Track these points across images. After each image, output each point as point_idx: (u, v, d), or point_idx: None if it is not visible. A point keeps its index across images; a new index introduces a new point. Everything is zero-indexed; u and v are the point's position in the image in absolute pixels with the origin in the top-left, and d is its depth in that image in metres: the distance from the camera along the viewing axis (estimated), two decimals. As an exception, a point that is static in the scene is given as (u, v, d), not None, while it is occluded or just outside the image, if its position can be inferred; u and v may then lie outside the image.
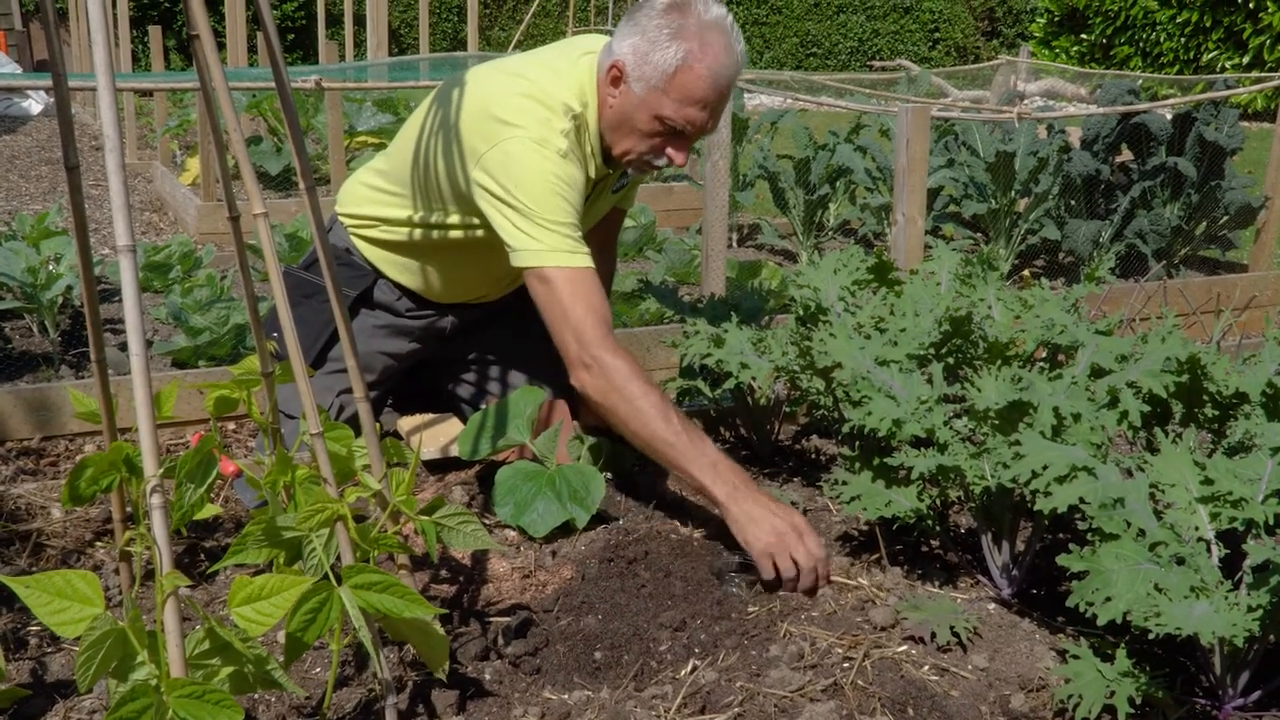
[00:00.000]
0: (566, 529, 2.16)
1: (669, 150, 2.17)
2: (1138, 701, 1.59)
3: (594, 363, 2.06)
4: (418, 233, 2.41)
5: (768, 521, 1.94)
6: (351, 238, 2.50)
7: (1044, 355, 2.24)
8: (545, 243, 2.09)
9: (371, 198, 2.46)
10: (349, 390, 2.44)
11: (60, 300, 3.74)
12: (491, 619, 1.92)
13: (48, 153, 8.54)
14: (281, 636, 1.63)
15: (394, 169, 2.40)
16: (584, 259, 2.11)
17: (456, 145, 2.18)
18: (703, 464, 2.00)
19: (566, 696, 1.71)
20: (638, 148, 2.17)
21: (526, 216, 2.10)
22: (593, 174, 2.27)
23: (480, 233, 2.30)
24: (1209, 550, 1.65)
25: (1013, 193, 5.22)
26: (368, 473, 1.66)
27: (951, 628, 1.80)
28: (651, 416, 2.02)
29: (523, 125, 2.11)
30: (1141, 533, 1.63)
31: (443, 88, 2.27)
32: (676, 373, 2.78)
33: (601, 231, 2.60)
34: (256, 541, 1.52)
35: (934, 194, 5.56)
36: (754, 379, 2.31)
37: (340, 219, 2.53)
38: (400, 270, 2.50)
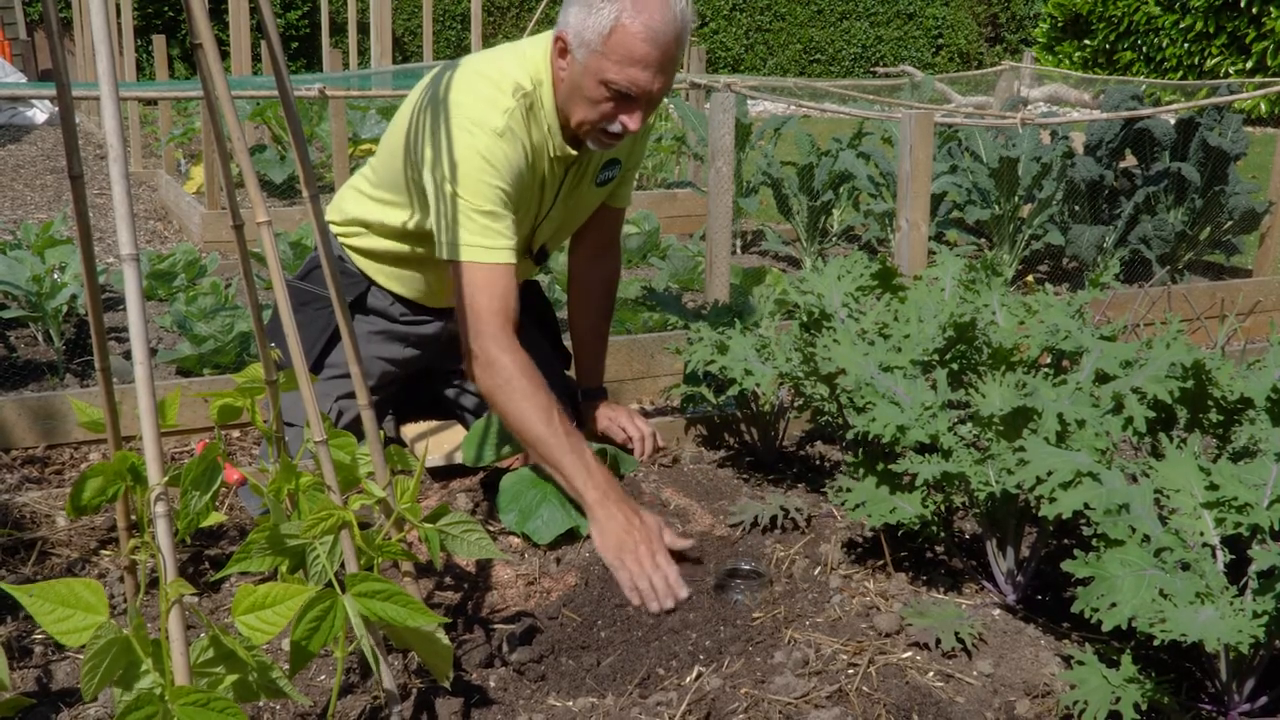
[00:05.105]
0: (571, 536, 2.15)
1: (621, 117, 2.16)
2: (1143, 708, 1.59)
3: (482, 354, 2.12)
4: (406, 236, 2.41)
5: (621, 534, 2.01)
6: (343, 246, 2.51)
7: (1048, 361, 2.24)
8: (464, 237, 2.12)
9: (361, 201, 2.46)
10: (348, 395, 2.45)
11: (65, 309, 3.75)
12: (496, 626, 1.92)
13: (52, 162, 8.55)
14: (286, 644, 1.64)
15: (382, 168, 2.39)
16: (500, 254, 2.14)
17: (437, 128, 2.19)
18: (577, 467, 2.07)
19: (571, 704, 1.71)
20: (589, 116, 2.18)
21: (452, 203, 2.12)
22: (552, 153, 2.26)
23: None
24: (1214, 556, 1.64)
25: (1016, 198, 5.22)
26: (372, 480, 1.66)
27: (956, 634, 1.79)
28: (531, 416, 2.09)
29: (463, 104, 2.14)
30: (1146, 538, 1.63)
31: (434, 75, 2.28)
32: (680, 379, 2.78)
33: (599, 232, 2.59)
34: (260, 549, 1.53)
35: (937, 200, 5.56)
36: (758, 385, 2.31)
37: (331, 227, 2.53)
38: (391, 278, 2.50)
